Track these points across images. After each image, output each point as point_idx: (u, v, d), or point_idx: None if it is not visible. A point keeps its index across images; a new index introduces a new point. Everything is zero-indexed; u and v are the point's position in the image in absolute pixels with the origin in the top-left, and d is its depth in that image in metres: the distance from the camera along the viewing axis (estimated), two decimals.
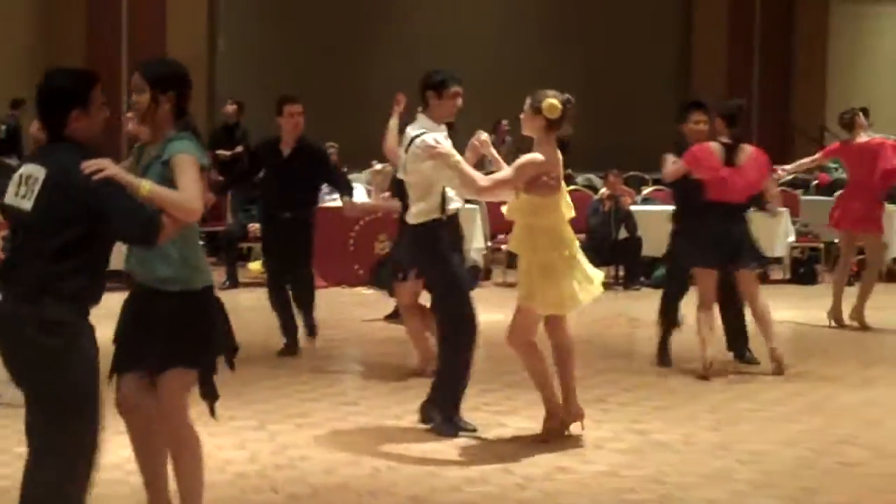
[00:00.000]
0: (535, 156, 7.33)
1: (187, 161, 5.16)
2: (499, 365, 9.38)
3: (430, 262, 7.94)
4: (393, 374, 9.59)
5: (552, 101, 7.33)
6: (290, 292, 10.42)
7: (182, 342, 5.33)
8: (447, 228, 7.85)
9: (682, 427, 8.10)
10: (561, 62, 21.93)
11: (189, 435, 5.51)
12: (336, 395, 8.94)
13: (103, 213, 4.76)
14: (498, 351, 8.87)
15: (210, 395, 5.50)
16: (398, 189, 9.37)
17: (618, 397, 8.97)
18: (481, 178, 7.43)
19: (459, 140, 7.87)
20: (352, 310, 12.97)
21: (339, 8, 21.67)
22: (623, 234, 15.12)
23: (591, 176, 19.19)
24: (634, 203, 15.95)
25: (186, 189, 5.05)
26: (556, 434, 7.66)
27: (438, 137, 7.60)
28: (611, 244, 15.01)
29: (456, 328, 7.74)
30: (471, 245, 14.04)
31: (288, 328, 10.39)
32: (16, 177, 4.88)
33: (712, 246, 9.50)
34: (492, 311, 10.00)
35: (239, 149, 16.77)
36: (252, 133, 17.15)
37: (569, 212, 7.48)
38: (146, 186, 4.91)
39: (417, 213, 7.74)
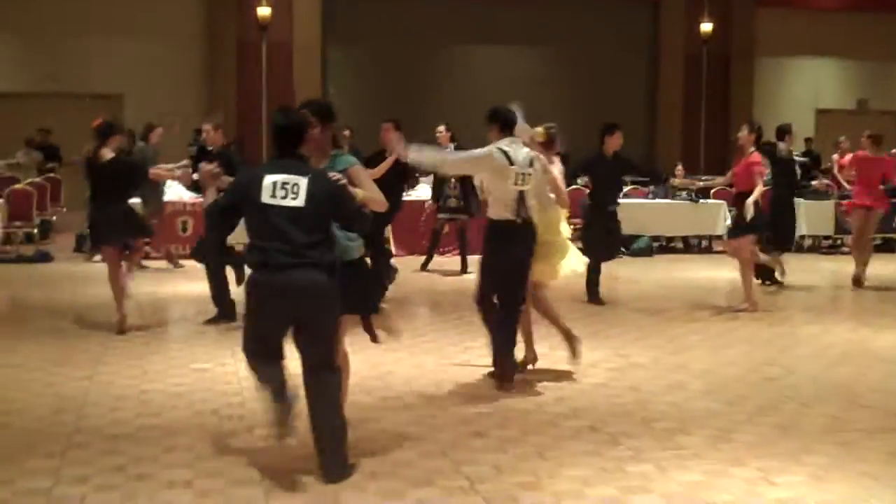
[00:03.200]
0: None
1: (363, 170, 5.23)
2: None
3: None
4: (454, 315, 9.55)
5: (539, 129, 7.22)
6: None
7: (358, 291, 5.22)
8: None
9: (651, 352, 8.04)
10: (570, 108, 21.79)
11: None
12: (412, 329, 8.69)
13: (344, 209, 4.80)
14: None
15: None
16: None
17: (606, 332, 8.89)
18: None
19: None
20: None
21: (417, 63, 21.49)
22: None
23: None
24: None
25: (373, 189, 5.12)
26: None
27: None
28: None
29: (519, 301, 6.86)
30: None
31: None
32: (267, 183, 4.64)
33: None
34: None
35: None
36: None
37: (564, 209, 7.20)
38: (360, 193, 4.96)
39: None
